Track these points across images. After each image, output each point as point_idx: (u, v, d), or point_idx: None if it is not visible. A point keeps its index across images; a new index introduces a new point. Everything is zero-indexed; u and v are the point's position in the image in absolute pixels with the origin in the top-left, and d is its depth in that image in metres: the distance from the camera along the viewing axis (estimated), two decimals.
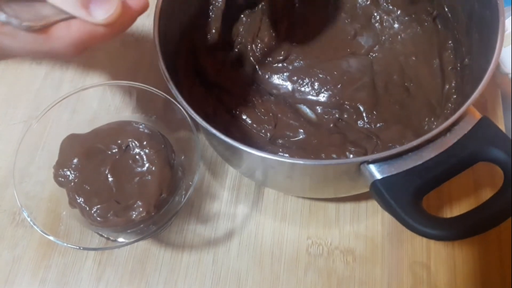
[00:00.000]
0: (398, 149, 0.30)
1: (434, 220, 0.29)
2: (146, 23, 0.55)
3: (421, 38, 0.45)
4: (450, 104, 0.40)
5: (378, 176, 0.30)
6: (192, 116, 0.33)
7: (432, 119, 0.41)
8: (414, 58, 0.45)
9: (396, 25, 0.46)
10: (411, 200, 0.29)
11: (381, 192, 0.30)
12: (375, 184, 0.30)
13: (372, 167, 0.30)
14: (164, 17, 0.36)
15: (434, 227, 0.28)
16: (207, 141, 0.44)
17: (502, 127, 0.49)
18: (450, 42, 0.42)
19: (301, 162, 0.31)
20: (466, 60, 0.39)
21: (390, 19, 0.47)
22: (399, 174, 0.30)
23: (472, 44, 0.37)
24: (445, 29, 0.42)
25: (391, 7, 0.46)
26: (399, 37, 0.46)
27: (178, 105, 0.39)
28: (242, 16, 0.48)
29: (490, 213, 0.28)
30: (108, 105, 0.42)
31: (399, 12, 0.46)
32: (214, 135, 0.32)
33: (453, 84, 0.41)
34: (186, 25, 0.42)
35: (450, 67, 0.42)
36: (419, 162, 0.30)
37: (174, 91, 0.33)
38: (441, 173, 0.30)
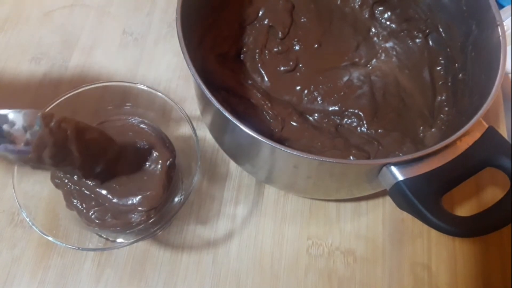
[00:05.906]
0: (421, 152, 0.31)
1: (458, 219, 0.30)
2: (145, 21, 0.54)
3: (413, 53, 0.47)
4: (442, 115, 0.42)
5: (401, 177, 0.31)
6: (221, 110, 0.32)
7: (427, 128, 0.43)
8: (407, 71, 0.47)
9: (391, 39, 0.49)
10: (433, 199, 0.31)
11: (405, 193, 0.31)
12: (398, 184, 0.31)
13: (395, 169, 0.31)
14: (185, 22, 0.36)
15: (459, 225, 0.30)
16: (212, 137, 0.44)
17: (503, 126, 0.49)
18: (441, 58, 0.44)
19: (332, 161, 0.31)
20: (460, 75, 0.41)
21: (385, 33, 0.49)
22: (421, 176, 0.31)
23: (467, 61, 0.39)
24: (437, 46, 0.45)
25: (388, 23, 0.49)
26: (394, 51, 0.49)
27: (177, 105, 0.39)
28: (249, 27, 0.49)
29: (504, 212, 0.31)
30: (107, 105, 0.42)
31: (393, 27, 0.48)
32: (239, 128, 0.31)
33: (444, 97, 0.43)
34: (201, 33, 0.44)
35: (441, 82, 0.44)
36: (439, 165, 0.31)
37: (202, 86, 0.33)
38: (458, 175, 0.32)
